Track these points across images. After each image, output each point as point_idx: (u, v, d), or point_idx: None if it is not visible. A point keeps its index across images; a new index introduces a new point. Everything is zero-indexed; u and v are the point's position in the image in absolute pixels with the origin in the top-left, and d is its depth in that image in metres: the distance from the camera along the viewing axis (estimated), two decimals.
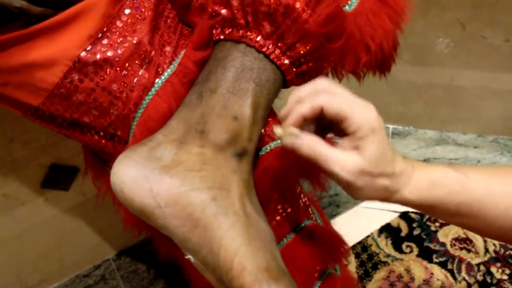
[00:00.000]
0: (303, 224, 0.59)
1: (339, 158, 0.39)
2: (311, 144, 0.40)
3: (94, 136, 0.50)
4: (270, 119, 0.52)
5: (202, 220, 0.39)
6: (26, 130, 0.73)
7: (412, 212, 1.07)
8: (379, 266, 0.97)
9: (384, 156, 0.40)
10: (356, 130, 0.39)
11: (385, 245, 1.01)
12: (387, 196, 0.42)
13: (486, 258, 0.97)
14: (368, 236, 1.03)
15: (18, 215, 0.81)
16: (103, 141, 0.50)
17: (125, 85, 0.46)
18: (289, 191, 0.56)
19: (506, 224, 0.41)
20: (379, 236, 1.03)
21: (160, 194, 0.40)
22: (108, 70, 0.45)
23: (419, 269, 0.96)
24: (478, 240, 1.00)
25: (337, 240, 0.63)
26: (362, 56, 0.51)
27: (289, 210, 0.56)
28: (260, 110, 0.47)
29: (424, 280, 0.94)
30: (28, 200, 0.80)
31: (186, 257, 0.42)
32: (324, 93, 0.40)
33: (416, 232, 1.03)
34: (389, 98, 1.17)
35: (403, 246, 1.01)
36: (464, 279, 0.93)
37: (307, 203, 0.62)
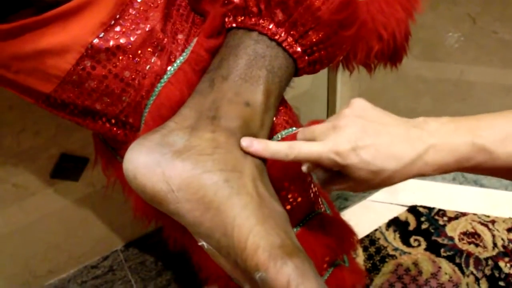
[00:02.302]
0: (313, 214, 0.59)
1: None
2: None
3: (106, 124, 0.50)
4: (281, 108, 0.52)
5: (215, 202, 0.39)
6: (35, 120, 0.74)
7: (421, 206, 1.07)
8: (387, 260, 0.97)
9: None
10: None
11: (393, 239, 1.01)
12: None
13: (494, 253, 0.97)
14: (376, 230, 1.03)
15: (27, 206, 0.82)
16: (114, 128, 0.51)
17: (138, 72, 0.46)
18: (299, 181, 0.56)
19: None
20: (387, 230, 1.03)
21: (173, 178, 0.40)
22: (120, 57, 0.45)
23: (427, 263, 0.96)
24: (486, 234, 1.00)
25: (347, 230, 0.63)
26: (374, 45, 0.51)
27: (299, 199, 0.56)
28: (272, 97, 0.47)
29: (432, 274, 0.94)
30: (38, 190, 0.81)
31: (199, 243, 0.42)
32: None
33: (424, 226, 1.03)
34: (398, 92, 1.16)
35: (411, 240, 1.01)
36: (472, 273, 0.93)
37: (317, 193, 0.62)
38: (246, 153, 0.43)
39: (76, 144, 0.79)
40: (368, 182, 0.42)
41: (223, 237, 0.39)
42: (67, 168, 0.79)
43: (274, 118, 0.49)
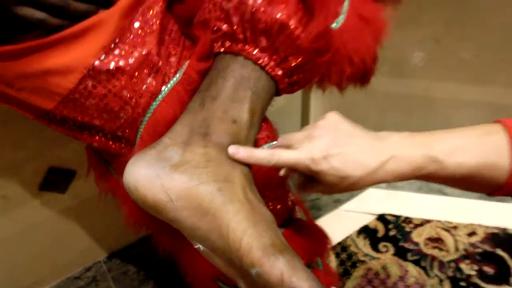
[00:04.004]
0: (290, 220, 0.64)
1: None
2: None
3: (102, 138, 0.55)
4: (264, 124, 0.57)
5: (211, 209, 0.44)
6: (23, 133, 0.76)
7: (389, 215, 1.14)
8: (357, 265, 1.03)
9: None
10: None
11: (363, 245, 1.07)
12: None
13: (456, 256, 1.04)
14: (347, 237, 1.09)
15: (14, 217, 0.84)
16: (110, 142, 0.55)
17: (135, 91, 0.51)
18: (278, 190, 0.61)
19: None
20: (357, 237, 1.09)
21: (171, 189, 0.44)
22: (119, 78, 0.50)
23: (395, 267, 1.02)
24: (449, 239, 1.07)
25: (321, 235, 0.68)
26: (346, 69, 0.57)
27: (278, 207, 0.61)
28: (256, 115, 0.52)
29: (399, 277, 1.00)
30: (24, 202, 0.83)
31: (195, 246, 0.46)
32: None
33: (392, 233, 1.10)
34: (368, 107, 1.23)
35: (380, 246, 1.07)
36: (436, 275, 1.00)
37: (294, 202, 0.68)
38: (235, 162, 0.48)
39: (63, 157, 0.83)
40: (337, 186, 0.48)
41: (219, 240, 0.44)
42: (55, 181, 0.82)
43: (258, 134, 0.55)
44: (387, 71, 1.16)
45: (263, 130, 0.57)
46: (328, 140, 0.47)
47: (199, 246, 0.46)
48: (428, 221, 1.12)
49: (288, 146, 0.49)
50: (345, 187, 0.48)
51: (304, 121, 1.28)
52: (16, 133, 0.76)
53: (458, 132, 0.50)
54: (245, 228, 0.43)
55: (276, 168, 0.52)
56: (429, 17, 1.07)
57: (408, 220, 1.12)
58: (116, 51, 0.50)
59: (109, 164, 0.61)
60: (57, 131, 0.56)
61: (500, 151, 0.48)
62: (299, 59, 0.53)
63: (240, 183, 0.46)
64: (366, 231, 1.11)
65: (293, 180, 0.53)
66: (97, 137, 0.55)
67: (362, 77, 0.63)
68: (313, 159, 0.46)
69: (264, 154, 0.48)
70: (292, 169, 0.50)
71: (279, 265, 0.41)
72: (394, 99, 1.23)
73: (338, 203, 1.17)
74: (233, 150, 0.48)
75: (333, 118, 0.50)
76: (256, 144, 0.56)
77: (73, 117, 0.52)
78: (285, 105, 1.17)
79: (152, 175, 0.45)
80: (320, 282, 0.43)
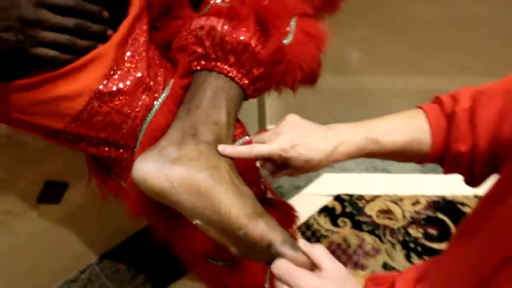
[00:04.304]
0: (264, 200, 0.78)
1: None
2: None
3: (106, 148, 0.66)
4: (237, 123, 0.70)
5: (206, 191, 0.57)
6: (20, 151, 0.86)
7: (344, 194, 1.30)
8: (321, 240, 1.19)
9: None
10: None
11: (324, 223, 1.23)
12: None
13: (404, 223, 1.22)
14: (310, 217, 1.25)
15: (13, 229, 0.93)
16: (113, 150, 0.67)
17: (133, 107, 0.63)
18: (253, 176, 0.75)
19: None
20: (319, 216, 1.25)
21: (173, 178, 0.57)
22: (120, 97, 0.62)
23: (353, 238, 1.19)
24: (397, 210, 1.25)
25: (289, 208, 0.83)
26: (297, 75, 0.71)
27: (254, 189, 0.74)
28: (231, 117, 0.65)
29: (358, 246, 1.17)
30: (22, 214, 0.92)
31: (194, 222, 0.59)
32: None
33: (348, 210, 1.26)
34: (316, 103, 1.39)
35: (339, 221, 1.23)
36: (389, 241, 1.17)
37: (265, 186, 0.82)
38: (221, 156, 0.61)
39: (56, 171, 0.92)
40: (303, 168, 0.62)
41: (213, 214, 0.57)
42: (50, 193, 0.91)
43: (234, 131, 0.68)
44: (329, 70, 1.32)
45: (237, 128, 0.70)
46: (292, 134, 0.61)
47: (197, 221, 0.59)
48: (377, 196, 1.29)
49: (261, 143, 0.63)
50: (309, 168, 0.62)
51: (261, 120, 1.43)
52: (12, 151, 0.85)
53: (390, 117, 0.65)
54: (232, 202, 0.57)
55: (252, 159, 0.65)
56: (360, 21, 1.24)
57: (360, 197, 1.29)
58: (115, 76, 0.61)
59: (110, 169, 0.73)
60: (64, 146, 0.67)
61: (422, 130, 0.64)
62: (261, 70, 0.67)
63: (226, 170, 0.60)
64: (325, 210, 1.27)
65: (267, 168, 0.67)
66: (101, 148, 0.66)
67: (311, 79, 0.78)
68: (283, 149, 0.60)
69: (246, 149, 0.61)
70: (266, 159, 0.64)
71: (260, 225, 0.55)
72: (337, 94, 1.40)
73: (298, 189, 1.33)
74: (222, 148, 0.61)
75: (293, 118, 0.64)
76: (233, 139, 0.69)
77: (81, 133, 0.64)
78: (243, 106, 1.30)
79: (156, 168, 0.58)
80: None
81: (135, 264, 1.11)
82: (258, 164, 0.66)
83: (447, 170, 0.68)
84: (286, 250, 0.53)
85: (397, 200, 1.28)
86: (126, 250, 1.13)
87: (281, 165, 0.64)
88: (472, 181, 0.67)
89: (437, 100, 0.66)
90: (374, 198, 1.29)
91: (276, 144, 0.61)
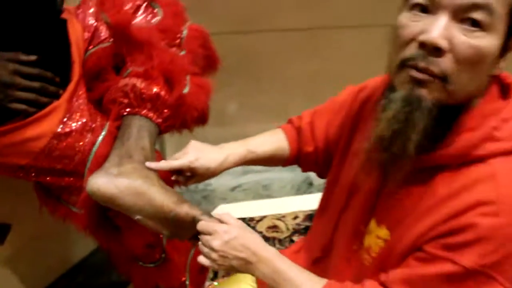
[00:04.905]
0: None
1: None
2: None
3: (64, 177, 0.89)
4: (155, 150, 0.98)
5: (143, 192, 0.82)
6: None
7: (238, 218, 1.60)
8: None
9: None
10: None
11: None
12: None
13: (288, 234, 1.54)
14: None
15: None
16: (66, 177, 0.90)
17: (82, 143, 0.88)
18: (171, 184, 1.02)
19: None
20: None
21: (119, 185, 0.82)
22: (72, 136, 0.87)
23: None
24: (281, 224, 1.58)
25: None
26: (194, 115, 1.01)
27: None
28: (152, 145, 0.93)
29: None
30: None
31: (135, 218, 0.84)
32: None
33: None
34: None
35: None
36: (278, 248, 1.48)
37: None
38: (149, 169, 0.88)
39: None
40: (205, 175, 0.89)
41: (150, 208, 0.83)
42: None
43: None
44: (213, 123, 1.66)
45: (156, 152, 0.98)
46: (195, 151, 0.90)
47: (138, 217, 0.84)
48: (265, 217, 1.61)
49: (175, 159, 0.91)
50: (209, 175, 0.91)
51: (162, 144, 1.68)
52: None
53: (260, 135, 0.98)
54: (163, 197, 0.84)
55: (170, 172, 0.93)
56: (235, 78, 1.60)
57: (251, 219, 1.60)
58: (68, 122, 0.87)
59: (59, 197, 0.95)
60: (28, 179, 0.89)
61: (282, 140, 0.97)
62: (169, 112, 0.96)
63: (155, 178, 0.87)
64: None
65: (180, 179, 0.94)
66: (56, 177, 0.90)
67: (203, 119, 1.09)
68: (190, 161, 0.88)
69: (165, 163, 0.89)
70: (178, 171, 0.92)
71: (184, 207, 0.83)
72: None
73: None
74: (148, 164, 0.88)
75: (194, 142, 0.93)
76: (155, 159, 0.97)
77: (44, 166, 0.87)
78: None
79: (106, 180, 0.83)
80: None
81: None
82: (173, 177, 0.93)
83: (304, 169, 1.02)
84: (205, 217, 0.81)
85: (281, 217, 1.61)
86: (64, 283, 1.28)
87: (189, 175, 0.92)
88: (321, 174, 1.01)
89: (289, 121, 1.01)
90: (262, 218, 1.61)
91: (185, 159, 0.89)
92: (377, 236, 0.75)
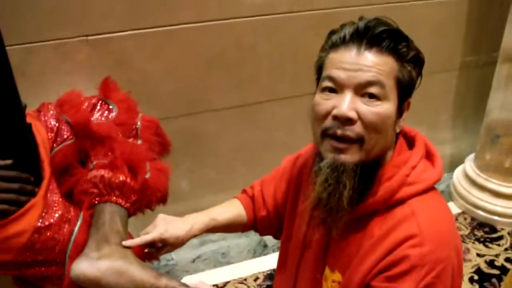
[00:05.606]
0: None
1: None
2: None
3: (41, 268, 0.97)
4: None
5: (124, 271, 0.92)
6: None
7: None
8: None
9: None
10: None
11: None
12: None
13: None
14: None
15: None
16: (47, 268, 0.98)
17: (60, 234, 0.97)
18: (142, 258, 1.11)
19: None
20: None
21: (101, 268, 0.91)
22: (51, 229, 0.96)
23: None
24: (244, 287, 1.68)
25: None
26: (158, 195, 1.14)
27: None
28: (125, 228, 1.04)
29: None
30: None
31: None
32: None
33: None
34: None
35: None
36: None
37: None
38: (126, 248, 0.98)
39: None
40: (175, 243, 1.01)
41: (132, 284, 0.92)
42: None
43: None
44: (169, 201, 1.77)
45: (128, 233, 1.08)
46: (164, 224, 1.02)
47: None
48: (228, 282, 1.71)
49: (146, 233, 1.02)
50: (178, 243, 1.02)
51: None
52: None
53: (220, 205, 1.12)
54: (141, 273, 0.94)
55: (143, 246, 1.03)
56: (183, 158, 1.74)
57: (215, 285, 1.69)
58: (46, 216, 0.97)
59: (40, 287, 1.02)
60: (5, 274, 0.96)
61: (240, 208, 1.11)
62: (136, 196, 1.08)
63: (132, 256, 0.97)
64: None
65: (152, 250, 1.04)
66: (36, 268, 0.97)
67: (163, 199, 1.21)
68: (161, 233, 0.99)
69: (138, 239, 1.00)
70: (151, 244, 1.02)
71: (164, 280, 0.93)
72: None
73: None
74: (124, 242, 0.98)
75: (162, 215, 1.05)
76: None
77: (27, 259, 0.95)
78: None
79: (88, 265, 0.92)
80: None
81: None
82: (146, 250, 1.03)
83: (261, 233, 1.15)
84: None
85: (243, 280, 1.71)
86: None
87: (161, 246, 1.03)
88: (276, 235, 1.15)
89: (243, 191, 1.16)
90: (225, 284, 1.70)
91: (156, 232, 1.00)
92: (332, 281, 0.89)
